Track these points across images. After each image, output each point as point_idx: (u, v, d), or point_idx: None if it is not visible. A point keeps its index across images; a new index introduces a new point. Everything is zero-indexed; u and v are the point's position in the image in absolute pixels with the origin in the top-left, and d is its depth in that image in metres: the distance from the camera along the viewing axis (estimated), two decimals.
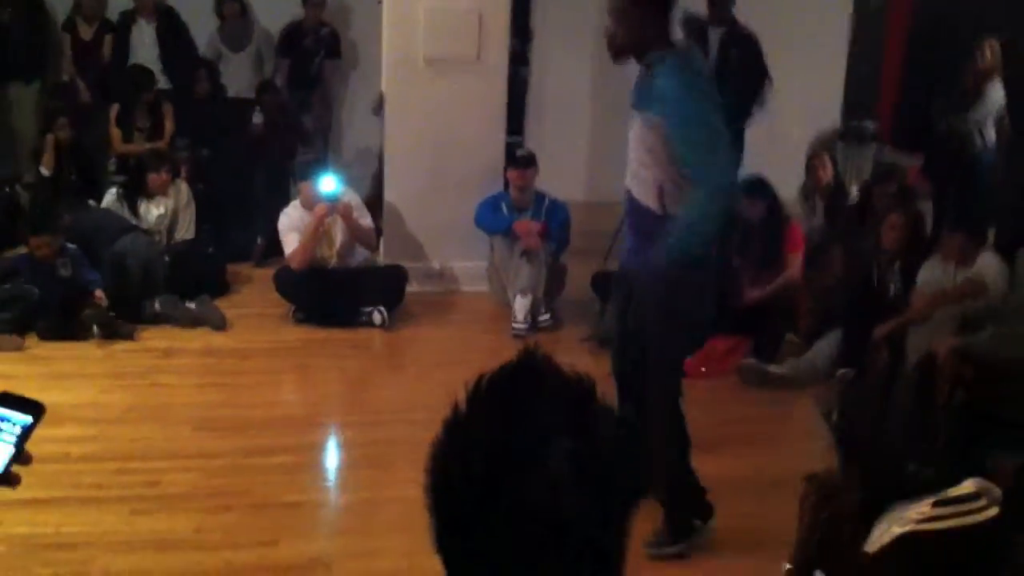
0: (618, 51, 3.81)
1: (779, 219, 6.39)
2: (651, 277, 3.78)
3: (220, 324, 6.27)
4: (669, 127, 3.64)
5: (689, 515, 3.98)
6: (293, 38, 8.98)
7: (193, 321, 6.26)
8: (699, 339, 4.27)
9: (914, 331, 5.48)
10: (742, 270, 6.30)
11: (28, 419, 1.44)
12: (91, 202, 7.36)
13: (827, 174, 7.33)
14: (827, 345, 5.65)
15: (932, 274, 5.62)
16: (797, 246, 6.32)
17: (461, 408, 1.22)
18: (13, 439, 1.42)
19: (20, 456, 1.44)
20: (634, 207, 3.87)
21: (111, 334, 5.95)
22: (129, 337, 6.00)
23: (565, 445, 1.18)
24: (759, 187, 6.38)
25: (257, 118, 8.58)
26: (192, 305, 6.35)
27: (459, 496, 1.20)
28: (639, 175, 3.81)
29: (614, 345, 4.16)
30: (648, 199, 3.78)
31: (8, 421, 1.43)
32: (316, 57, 8.95)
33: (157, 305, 6.26)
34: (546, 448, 1.17)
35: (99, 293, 6.08)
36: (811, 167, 7.45)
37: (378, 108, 7.66)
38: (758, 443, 4.95)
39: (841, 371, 5.43)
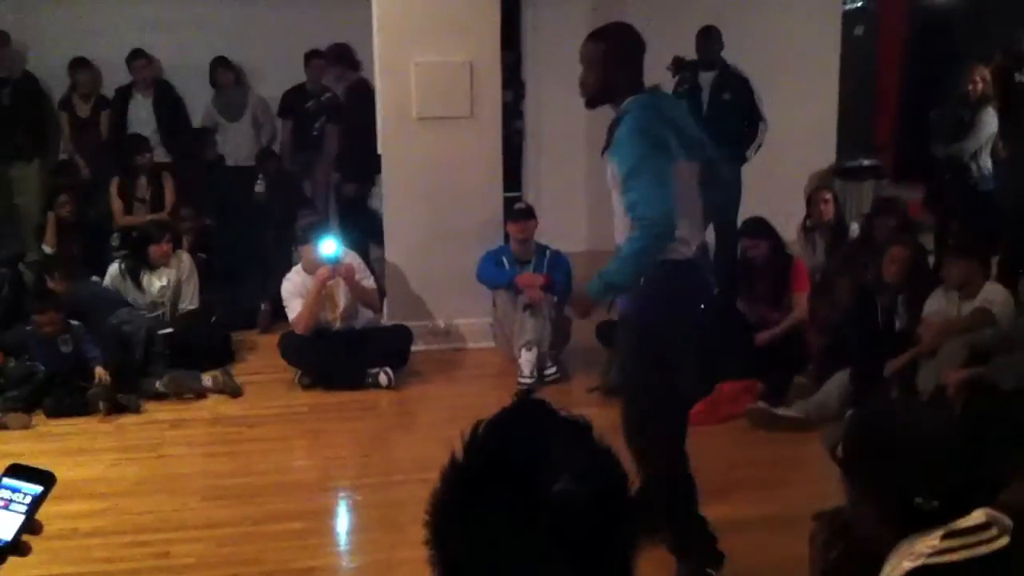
0: (591, 98, 3.91)
1: (783, 259, 6.39)
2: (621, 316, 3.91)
3: (236, 391, 6.29)
4: (615, 167, 3.70)
5: (701, 564, 3.93)
6: (295, 100, 9.05)
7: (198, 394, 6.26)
8: (685, 383, 4.04)
9: (924, 365, 5.45)
10: (749, 311, 6.29)
11: (39, 489, 1.45)
12: (94, 278, 7.41)
13: (829, 210, 7.34)
14: (836, 384, 5.60)
15: (938, 304, 5.60)
16: (803, 285, 6.30)
17: (459, 457, 1.24)
18: (24, 508, 1.43)
19: (30, 525, 1.44)
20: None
21: (117, 408, 5.95)
22: (135, 410, 6.00)
23: (562, 486, 1.20)
24: (760, 227, 6.39)
25: (259, 186, 8.64)
26: (208, 379, 6.34)
27: (458, 512, 1.22)
28: (616, 223, 3.85)
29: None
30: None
31: (19, 491, 1.44)
32: (317, 120, 9.02)
33: (159, 385, 6.23)
34: (543, 489, 1.19)
35: (100, 370, 6.06)
36: (813, 203, 7.46)
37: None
38: (770, 486, 4.90)
39: (851, 411, 5.37)
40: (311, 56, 8.93)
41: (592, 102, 3.93)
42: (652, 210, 3.59)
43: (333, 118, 8.97)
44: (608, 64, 3.82)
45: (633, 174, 3.62)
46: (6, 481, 1.45)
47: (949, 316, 5.51)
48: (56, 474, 1.52)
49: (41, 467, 1.50)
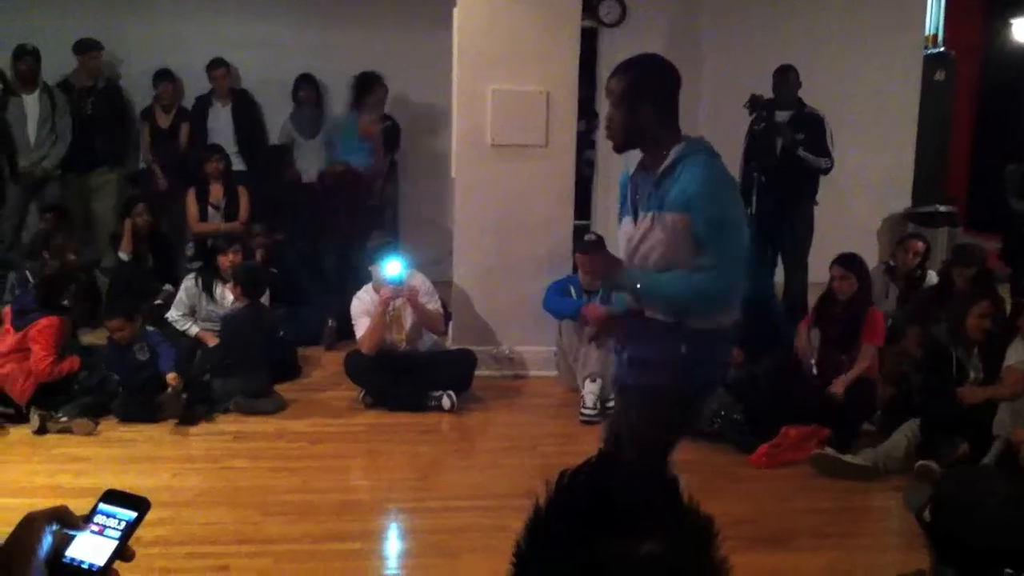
0: (616, 139, 3.53)
1: (865, 302, 6.23)
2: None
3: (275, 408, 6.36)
4: (696, 219, 3.30)
5: None
6: None
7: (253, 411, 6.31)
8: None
9: (1001, 410, 5.36)
10: (818, 349, 6.15)
11: (132, 515, 1.46)
12: (167, 286, 7.56)
13: (915, 259, 7.26)
14: (905, 434, 5.49)
15: (1017, 355, 5.49)
16: (876, 338, 6.13)
17: (541, 508, 1.23)
18: (118, 534, 1.44)
19: (123, 552, 1.46)
20: (637, 316, 3.56)
21: (186, 418, 6.04)
22: (204, 419, 6.08)
23: (648, 548, 1.17)
24: (855, 263, 6.20)
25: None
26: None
27: None
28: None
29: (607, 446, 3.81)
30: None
31: (114, 517, 1.44)
32: None
33: (231, 405, 6.30)
34: (629, 550, 1.17)
35: (172, 376, 6.14)
36: (902, 248, 7.37)
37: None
38: (832, 535, 4.81)
39: (920, 463, 5.27)
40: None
41: (620, 145, 3.52)
42: (732, 277, 3.35)
43: (392, 146, 9.11)
44: (634, 101, 3.42)
45: (729, 226, 3.35)
46: (102, 507, 1.46)
47: None
48: (121, 481, 1.55)
49: (135, 493, 1.52)
